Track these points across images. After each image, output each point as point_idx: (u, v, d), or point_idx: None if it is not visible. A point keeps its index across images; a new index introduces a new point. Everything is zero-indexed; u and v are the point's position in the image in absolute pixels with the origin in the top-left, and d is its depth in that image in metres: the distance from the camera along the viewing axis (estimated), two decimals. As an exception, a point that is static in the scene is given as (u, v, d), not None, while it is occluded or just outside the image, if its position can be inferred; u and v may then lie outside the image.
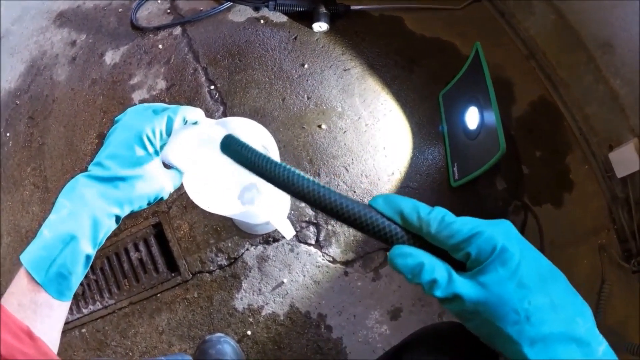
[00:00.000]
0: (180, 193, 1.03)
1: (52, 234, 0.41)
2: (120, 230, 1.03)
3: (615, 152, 0.89)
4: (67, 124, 1.15)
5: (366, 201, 0.36)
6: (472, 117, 0.89)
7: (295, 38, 1.12)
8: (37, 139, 1.16)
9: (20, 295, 0.41)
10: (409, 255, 0.31)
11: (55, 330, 0.44)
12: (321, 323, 0.94)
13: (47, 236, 0.41)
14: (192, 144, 0.49)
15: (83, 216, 0.42)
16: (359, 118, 1.04)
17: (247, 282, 0.97)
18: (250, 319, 0.95)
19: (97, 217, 0.43)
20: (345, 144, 1.02)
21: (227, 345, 0.89)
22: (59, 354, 0.43)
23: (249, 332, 0.94)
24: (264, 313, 0.95)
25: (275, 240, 0.98)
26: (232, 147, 0.37)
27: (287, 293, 0.95)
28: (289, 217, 0.98)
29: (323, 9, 1.07)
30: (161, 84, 1.13)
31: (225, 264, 0.98)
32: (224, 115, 1.08)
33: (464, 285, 0.30)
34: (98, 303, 1.01)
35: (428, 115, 1.04)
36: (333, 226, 0.97)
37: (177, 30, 1.17)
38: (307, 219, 0.98)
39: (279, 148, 1.01)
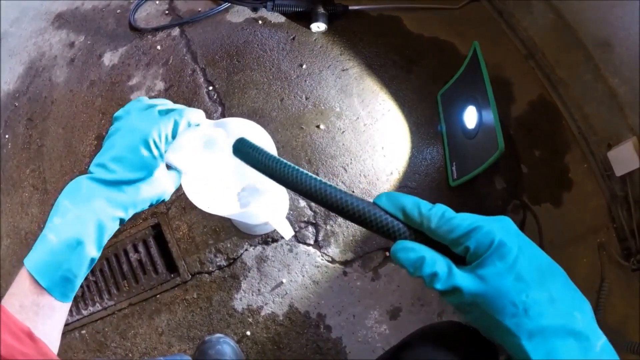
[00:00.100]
0: (179, 194, 1.03)
1: (58, 239, 0.41)
2: (119, 231, 1.03)
3: (614, 150, 0.89)
4: (66, 125, 1.15)
5: None
6: (470, 117, 0.89)
7: (294, 38, 1.12)
8: (36, 140, 1.16)
9: (22, 296, 0.40)
10: (411, 249, 0.32)
11: (56, 332, 0.44)
12: (320, 323, 0.94)
13: (54, 241, 0.41)
14: (195, 146, 0.49)
15: (89, 220, 0.42)
16: (358, 118, 1.04)
17: (246, 283, 0.97)
18: (250, 320, 0.95)
19: (103, 220, 0.43)
20: (343, 144, 1.02)
21: (226, 345, 0.89)
22: (58, 355, 0.43)
23: (248, 333, 0.94)
24: (263, 313, 0.95)
25: (274, 240, 0.98)
26: (244, 150, 0.40)
27: (286, 293, 0.95)
28: (287, 218, 0.98)
29: (321, 9, 1.07)
30: (160, 85, 1.13)
31: (225, 264, 0.98)
32: (223, 115, 1.08)
33: (463, 278, 0.31)
34: (98, 304, 1.01)
35: (426, 114, 1.04)
36: (332, 226, 0.97)
37: (176, 31, 1.17)
38: (305, 219, 0.98)
39: (278, 148, 1.01)
